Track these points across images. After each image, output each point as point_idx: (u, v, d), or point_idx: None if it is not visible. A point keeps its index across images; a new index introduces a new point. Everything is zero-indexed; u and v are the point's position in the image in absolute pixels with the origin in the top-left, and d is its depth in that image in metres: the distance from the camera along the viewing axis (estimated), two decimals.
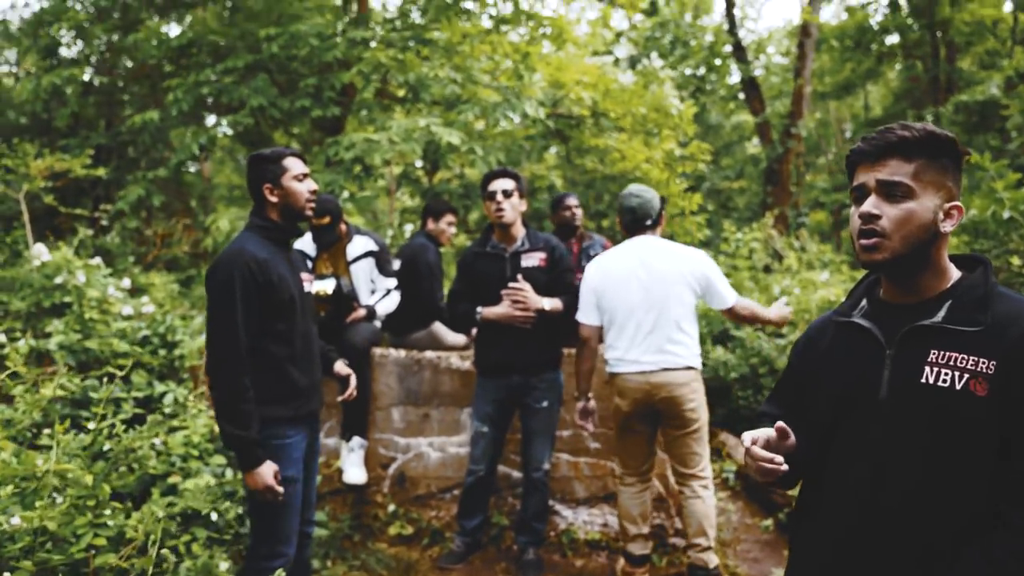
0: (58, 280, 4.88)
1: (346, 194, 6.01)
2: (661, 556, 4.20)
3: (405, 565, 4.07)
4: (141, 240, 7.79)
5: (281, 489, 2.71)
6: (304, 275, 2.94)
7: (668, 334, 3.59)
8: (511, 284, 3.82)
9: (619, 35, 17.58)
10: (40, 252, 4.80)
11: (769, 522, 4.70)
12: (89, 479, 2.50)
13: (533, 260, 3.94)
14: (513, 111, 5.98)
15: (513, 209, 3.87)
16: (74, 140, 8.63)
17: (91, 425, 2.91)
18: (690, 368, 3.61)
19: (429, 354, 4.51)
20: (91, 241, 6.78)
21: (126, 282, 5.33)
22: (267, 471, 2.65)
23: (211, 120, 8.87)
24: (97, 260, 5.18)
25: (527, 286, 3.81)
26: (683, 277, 3.62)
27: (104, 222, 7.00)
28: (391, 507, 4.36)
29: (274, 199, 2.78)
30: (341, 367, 3.16)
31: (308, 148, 9.15)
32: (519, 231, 3.97)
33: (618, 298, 3.64)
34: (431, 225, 5.10)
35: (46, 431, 3.17)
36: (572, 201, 5.28)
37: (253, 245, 2.69)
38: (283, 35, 6.90)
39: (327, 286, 4.35)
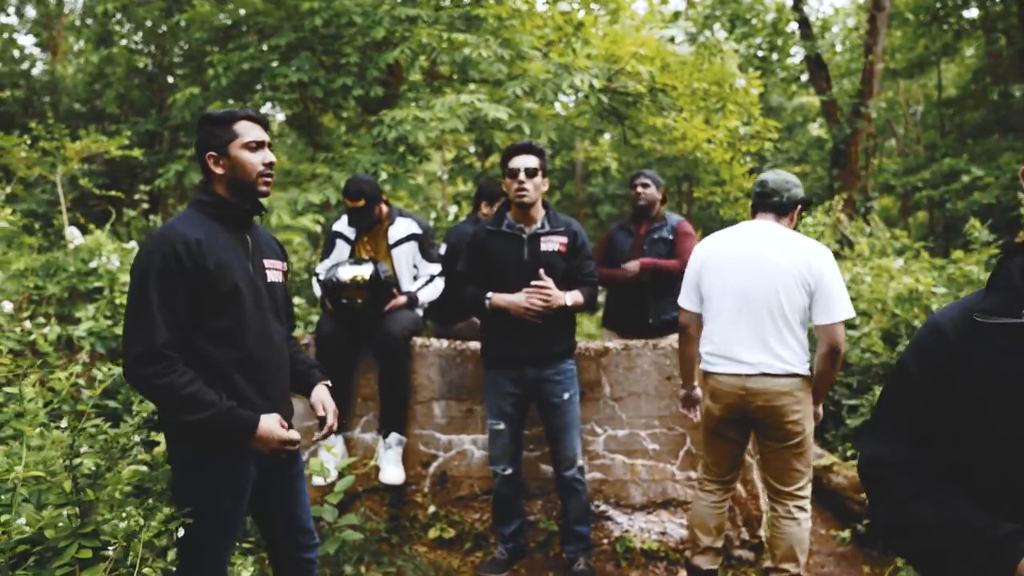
0: (93, 264, 4.72)
1: (384, 175, 5.70)
2: (725, 570, 3.81)
3: (445, 572, 3.77)
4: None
5: (297, 436, 2.34)
6: (271, 263, 2.44)
7: (772, 332, 3.11)
8: (534, 283, 3.48)
9: (677, 15, 16.93)
10: (73, 235, 4.64)
11: (846, 533, 4.25)
12: (68, 484, 2.24)
13: (553, 244, 3.59)
14: (562, 88, 5.59)
15: (536, 189, 3.53)
16: (125, 125, 8.59)
17: (64, 423, 2.64)
18: (795, 375, 3.12)
19: (473, 345, 4.20)
20: (136, 224, 6.66)
21: None
22: (268, 427, 2.25)
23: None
24: (132, 244, 5.01)
25: (551, 282, 3.48)
26: (797, 270, 3.07)
27: (146, 204, 6.87)
28: (431, 508, 4.06)
29: (219, 170, 2.31)
30: (319, 394, 2.58)
31: (356, 131, 8.93)
32: (539, 211, 3.63)
33: (716, 282, 3.20)
34: (484, 210, 4.78)
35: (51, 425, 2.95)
36: (640, 180, 4.74)
37: (187, 224, 2.24)
38: (326, 9, 6.65)
39: (364, 271, 4.05)
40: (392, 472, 3.93)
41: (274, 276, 2.45)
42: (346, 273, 4.03)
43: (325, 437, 2.54)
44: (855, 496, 4.44)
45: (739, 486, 3.97)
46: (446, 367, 4.16)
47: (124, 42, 9.27)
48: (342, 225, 4.45)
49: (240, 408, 2.24)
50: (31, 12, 12.64)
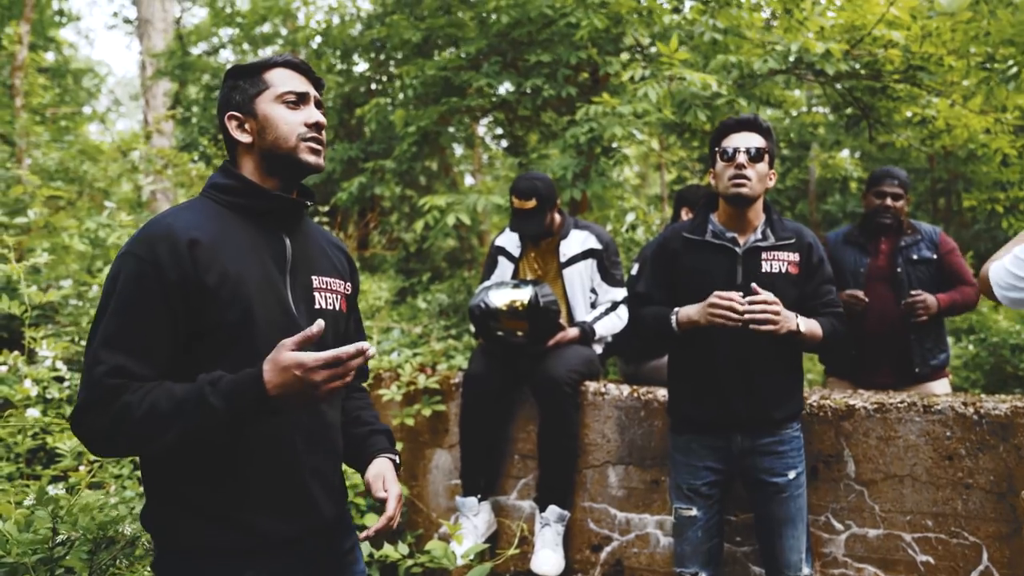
0: None
1: (570, 175, 4.86)
2: None
3: None
4: (364, 245, 7.39)
5: (355, 348, 1.35)
6: (324, 281, 1.67)
7: None
8: (754, 289, 2.37)
9: None
10: None
11: None
12: None
13: (780, 263, 2.51)
14: (789, 55, 4.46)
15: (759, 180, 2.48)
16: (329, 151, 8.63)
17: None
18: None
19: (663, 393, 3.21)
20: None
21: None
22: (284, 361, 1.35)
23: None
24: None
25: (773, 298, 2.36)
26: None
27: (320, 222, 6.65)
28: None
29: (245, 137, 1.60)
30: (380, 468, 1.70)
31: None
32: (758, 215, 2.56)
33: None
34: (685, 219, 3.80)
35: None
36: (890, 186, 3.53)
37: (184, 216, 1.51)
38: (513, 7, 6.05)
39: (523, 295, 3.24)
40: (547, 559, 3.02)
41: (327, 301, 1.66)
42: (500, 297, 3.25)
43: (382, 531, 1.61)
44: None
45: None
46: (626, 422, 3.21)
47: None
48: (506, 239, 3.70)
49: (223, 379, 1.40)
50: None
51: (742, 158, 2.44)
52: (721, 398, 2.50)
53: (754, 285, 2.37)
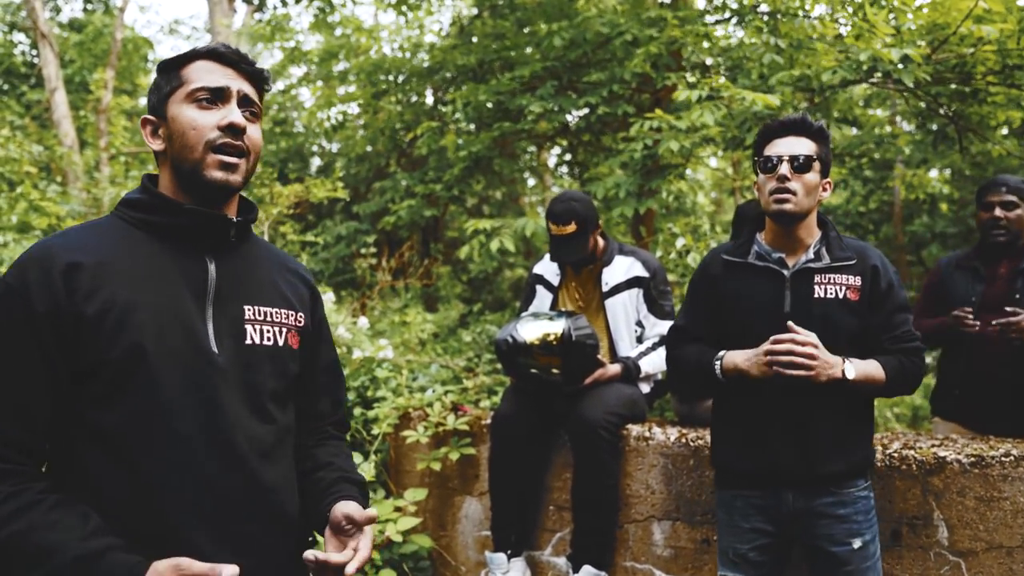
0: None
1: (624, 193, 4.52)
2: None
3: None
4: (427, 275, 7.20)
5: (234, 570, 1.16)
6: (263, 311, 1.40)
7: None
8: (790, 327, 2.01)
9: None
10: None
11: None
12: None
13: (836, 287, 2.10)
14: (861, 65, 4.04)
15: (807, 193, 2.08)
16: (388, 182, 8.55)
17: None
18: None
19: None
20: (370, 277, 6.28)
21: (363, 321, 4.50)
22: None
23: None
24: (328, 296, 4.44)
25: (812, 336, 1.99)
26: None
27: (372, 258, 6.50)
28: None
29: (157, 144, 1.35)
30: (343, 508, 1.35)
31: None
32: (811, 232, 2.16)
33: None
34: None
35: None
36: (997, 194, 3.00)
37: (82, 236, 1.29)
38: (567, 28, 5.82)
39: (556, 327, 2.91)
40: None
41: (263, 336, 1.38)
42: (530, 331, 2.92)
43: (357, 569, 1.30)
44: None
45: None
46: (674, 472, 2.82)
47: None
48: (544, 266, 3.39)
49: (117, 552, 1.17)
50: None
51: (784, 169, 2.06)
52: (765, 448, 2.10)
53: (791, 324, 1.99)
